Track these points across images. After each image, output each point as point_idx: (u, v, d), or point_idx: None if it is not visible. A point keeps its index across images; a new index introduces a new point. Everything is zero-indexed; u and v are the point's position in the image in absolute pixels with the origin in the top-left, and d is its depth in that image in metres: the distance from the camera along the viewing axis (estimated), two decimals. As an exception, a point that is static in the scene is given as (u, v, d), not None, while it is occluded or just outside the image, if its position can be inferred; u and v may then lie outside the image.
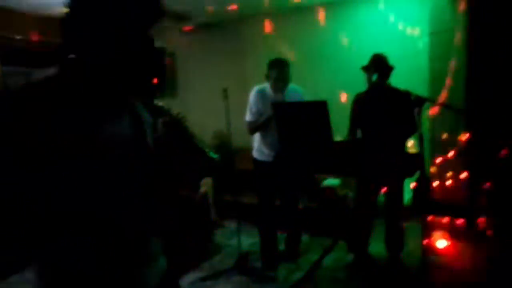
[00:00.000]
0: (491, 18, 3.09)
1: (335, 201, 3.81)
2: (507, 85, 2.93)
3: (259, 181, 3.31)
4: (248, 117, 3.17)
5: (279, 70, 2.98)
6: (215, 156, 2.18)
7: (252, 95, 3.16)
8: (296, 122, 2.40)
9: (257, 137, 3.25)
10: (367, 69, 2.98)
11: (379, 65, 2.92)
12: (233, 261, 3.28)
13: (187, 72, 5.54)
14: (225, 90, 3.10)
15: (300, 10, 4.56)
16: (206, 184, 4.42)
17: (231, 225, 4.20)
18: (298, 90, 3.16)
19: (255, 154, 3.30)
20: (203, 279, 3.11)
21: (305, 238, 3.73)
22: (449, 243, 3.17)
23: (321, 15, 4.50)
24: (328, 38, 4.49)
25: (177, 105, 2.15)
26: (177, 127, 1.95)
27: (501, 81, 2.95)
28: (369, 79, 2.98)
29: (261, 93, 3.10)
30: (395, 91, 2.84)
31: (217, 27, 5.12)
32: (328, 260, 3.18)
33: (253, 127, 3.15)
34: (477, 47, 3.34)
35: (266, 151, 3.19)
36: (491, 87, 3.03)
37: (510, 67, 2.93)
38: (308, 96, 3.19)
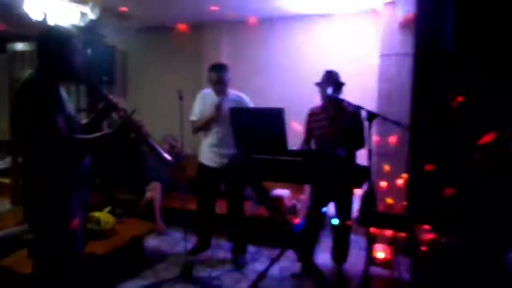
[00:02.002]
0: (437, 44, 3.34)
1: (283, 211, 3.84)
2: (448, 110, 3.20)
3: (200, 185, 3.40)
4: (191, 117, 3.33)
5: (217, 73, 3.18)
6: (168, 158, 2.11)
7: (197, 97, 3.37)
8: (252, 128, 2.40)
9: (202, 140, 3.41)
10: (320, 85, 3.08)
11: (331, 80, 3.04)
12: (178, 270, 3.17)
13: (139, 72, 5.37)
14: (180, 91, 3.04)
15: (260, 22, 4.62)
16: (153, 189, 4.27)
17: (178, 232, 4.08)
18: (242, 96, 3.35)
19: (200, 157, 3.41)
20: (146, 288, 2.97)
21: (252, 248, 3.71)
22: (391, 255, 3.31)
23: (278, 28, 4.60)
24: (285, 51, 4.60)
25: (127, 105, 2.07)
26: (131, 125, 1.86)
27: (443, 106, 3.21)
28: (322, 94, 3.09)
29: (205, 95, 3.32)
30: (347, 106, 2.98)
31: (175, 30, 5.03)
32: (275, 270, 3.18)
33: (195, 127, 3.32)
34: (422, 72, 3.58)
35: (207, 153, 3.33)
36: (434, 110, 3.27)
37: (452, 94, 3.20)
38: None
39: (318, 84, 3.10)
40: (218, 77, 3.17)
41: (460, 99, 3.12)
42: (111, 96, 2.00)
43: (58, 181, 1.79)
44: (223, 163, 3.24)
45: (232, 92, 3.32)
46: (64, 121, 1.74)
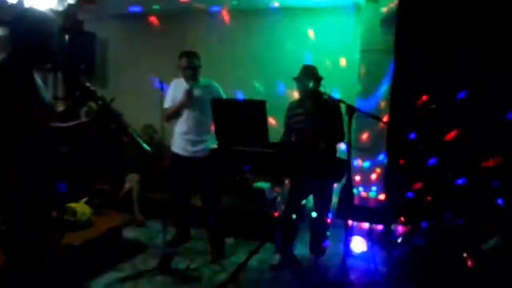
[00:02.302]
0: (417, 42, 3.40)
1: (264, 203, 3.86)
2: (426, 104, 3.28)
3: (172, 175, 3.41)
4: (164, 104, 3.34)
5: (186, 59, 3.22)
6: (148, 148, 2.08)
7: (170, 85, 3.40)
8: (234, 119, 2.38)
9: (174, 128, 3.43)
10: (298, 79, 3.10)
11: (310, 75, 3.05)
12: (157, 262, 3.14)
13: (120, 61, 5.24)
14: (161, 82, 3.00)
15: (241, 13, 4.60)
16: (132, 180, 4.21)
17: (157, 224, 4.03)
18: (213, 83, 3.38)
19: (173, 146, 3.42)
20: (123, 280, 2.93)
21: (231, 240, 3.72)
22: (368, 247, 3.38)
23: (261, 20, 4.57)
24: (266, 43, 4.58)
25: (107, 95, 2.02)
26: (109, 113, 1.82)
27: (421, 100, 3.28)
28: (301, 89, 3.11)
29: (177, 83, 3.34)
30: (327, 99, 3.01)
31: (157, 18, 4.94)
32: (253, 262, 3.20)
33: (168, 114, 3.33)
34: (402, 68, 3.64)
35: (179, 141, 3.36)
36: (413, 104, 3.34)
37: (428, 89, 3.27)
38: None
39: (296, 79, 3.11)
40: (187, 62, 3.20)
41: (425, 98, 3.20)
42: (88, 84, 1.95)
43: (30, 170, 1.74)
44: (196, 151, 3.29)
45: (203, 79, 3.36)
46: (38, 109, 1.69)
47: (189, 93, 3.16)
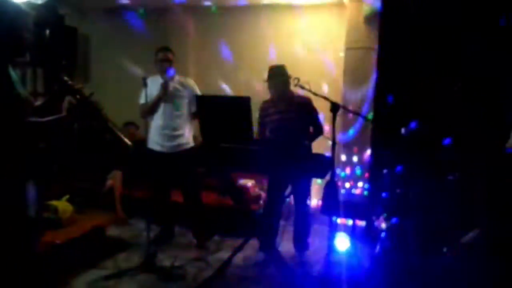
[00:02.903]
0: (400, 40, 3.42)
1: (248, 200, 3.86)
2: (409, 103, 3.31)
3: (150, 172, 3.40)
4: (140, 100, 3.36)
5: (163, 52, 3.32)
6: (129, 143, 2.05)
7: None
8: (218, 116, 2.37)
9: (151, 123, 3.44)
10: (268, 80, 3.12)
11: (280, 75, 3.07)
12: (140, 260, 3.11)
13: (103, 57, 5.15)
14: (144, 78, 2.97)
15: (225, 9, 4.57)
16: (114, 177, 4.15)
17: (140, 222, 3.99)
18: (189, 80, 3.49)
19: (149, 143, 3.41)
20: (106, 278, 2.89)
21: (216, 237, 3.71)
22: (351, 243, 3.40)
23: (246, 16, 4.56)
24: (251, 39, 4.56)
25: (89, 90, 1.98)
26: (88, 108, 1.78)
27: (404, 98, 3.31)
28: (271, 89, 3.15)
29: (152, 80, 3.33)
30: (296, 97, 3.10)
31: (142, 14, 4.87)
32: (238, 259, 3.20)
33: (144, 109, 3.34)
34: (385, 66, 3.66)
35: (155, 137, 3.38)
36: (395, 103, 3.37)
37: (413, 88, 3.30)
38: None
39: (266, 81, 3.14)
40: (164, 56, 3.30)
41: None
42: (66, 78, 1.90)
43: (7, 167, 1.69)
44: (172, 146, 3.32)
45: (180, 76, 3.45)
46: (13, 102, 1.63)
47: (165, 86, 3.22)
